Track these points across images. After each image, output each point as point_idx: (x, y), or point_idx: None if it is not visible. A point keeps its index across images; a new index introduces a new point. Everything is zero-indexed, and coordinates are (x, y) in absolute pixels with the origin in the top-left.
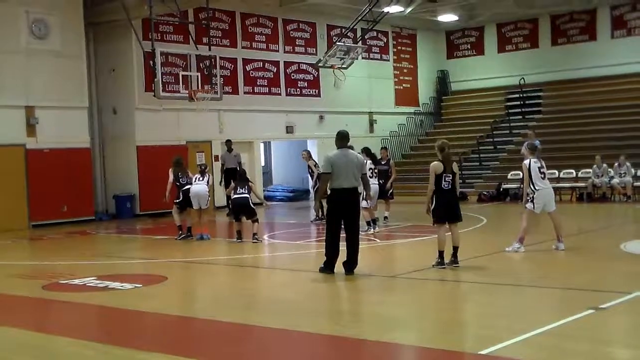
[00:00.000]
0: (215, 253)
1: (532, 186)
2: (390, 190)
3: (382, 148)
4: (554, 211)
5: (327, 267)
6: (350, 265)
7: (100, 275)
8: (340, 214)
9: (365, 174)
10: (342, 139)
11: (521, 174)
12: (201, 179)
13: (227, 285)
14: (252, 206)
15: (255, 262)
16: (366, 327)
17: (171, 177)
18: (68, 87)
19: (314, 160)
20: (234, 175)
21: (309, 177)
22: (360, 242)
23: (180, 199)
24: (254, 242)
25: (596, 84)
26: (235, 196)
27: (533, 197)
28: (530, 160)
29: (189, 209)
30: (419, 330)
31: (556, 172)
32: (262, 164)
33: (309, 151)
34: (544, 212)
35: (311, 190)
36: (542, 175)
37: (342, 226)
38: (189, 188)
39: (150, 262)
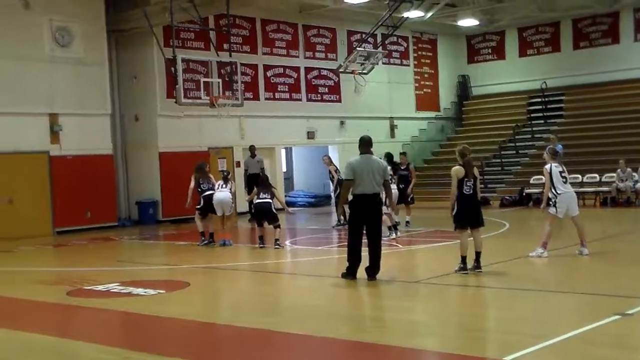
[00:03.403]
0: (237, 259)
1: (554, 190)
2: (411, 195)
3: (401, 153)
4: (577, 216)
5: (349, 273)
6: (373, 270)
7: (124, 281)
8: (362, 220)
9: (387, 180)
10: (365, 144)
11: (543, 178)
12: (224, 186)
13: (249, 291)
14: (275, 211)
15: (277, 268)
16: (388, 333)
17: (192, 183)
18: (91, 95)
19: (335, 165)
20: (257, 181)
21: (330, 183)
22: (382, 248)
23: (202, 204)
24: (275, 247)
25: (619, 88)
26: (258, 201)
27: (555, 201)
28: (551, 165)
29: (211, 214)
30: (441, 336)
31: (579, 176)
32: (284, 169)
33: (329, 156)
34: (567, 217)
35: (332, 195)
36: (564, 180)
37: (364, 232)
38: (210, 194)
39: (172, 268)
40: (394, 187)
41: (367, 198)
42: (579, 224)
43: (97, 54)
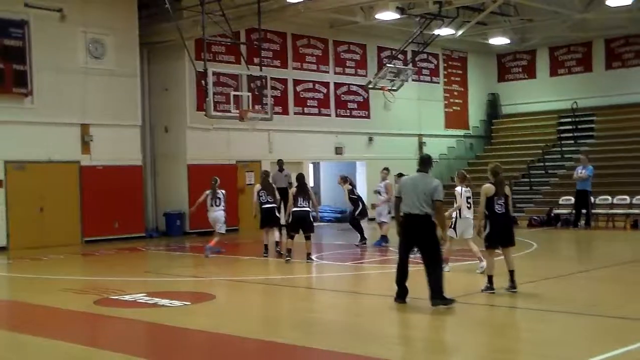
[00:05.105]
0: (263, 272)
1: (457, 213)
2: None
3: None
4: (471, 238)
5: (398, 296)
6: (432, 294)
7: (150, 292)
8: (407, 240)
9: (439, 200)
10: (422, 163)
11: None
12: (217, 203)
13: (276, 305)
14: (311, 220)
15: (303, 283)
16: (415, 351)
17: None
18: (122, 106)
19: (349, 185)
20: (284, 195)
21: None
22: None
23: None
24: (308, 261)
25: None
26: (296, 209)
27: (455, 223)
28: (462, 188)
29: (274, 228)
30: (467, 356)
31: (609, 198)
32: (311, 184)
33: (343, 176)
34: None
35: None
36: (469, 205)
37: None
38: (268, 207)
39: (199, 280)
40: None
41: (413, 218)
42: (474, 245)
43: (129, 66)
